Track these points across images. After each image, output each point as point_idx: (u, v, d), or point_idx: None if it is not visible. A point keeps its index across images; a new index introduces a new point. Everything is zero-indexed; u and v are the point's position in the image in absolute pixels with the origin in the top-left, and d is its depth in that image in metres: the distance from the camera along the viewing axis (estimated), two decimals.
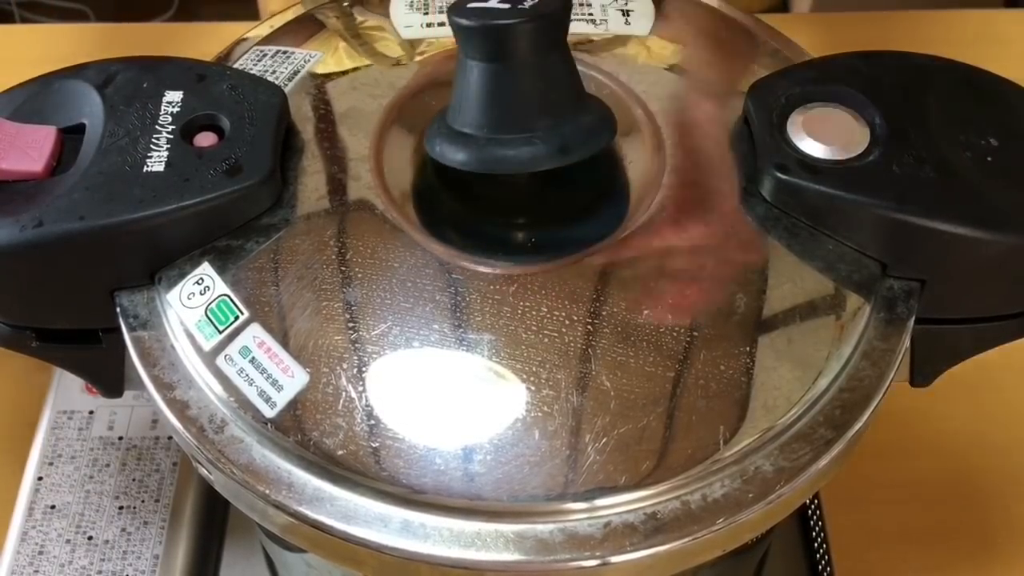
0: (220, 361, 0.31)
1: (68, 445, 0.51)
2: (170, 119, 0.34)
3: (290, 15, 0.41)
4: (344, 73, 0.38)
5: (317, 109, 0.37)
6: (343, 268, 0.32)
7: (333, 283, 0.32)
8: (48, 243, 0.32)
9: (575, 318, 0.31)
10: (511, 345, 0.31)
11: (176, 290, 0.33)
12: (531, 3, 0.31)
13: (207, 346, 0.32)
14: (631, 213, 0.34)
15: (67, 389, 0.52)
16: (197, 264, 0.33)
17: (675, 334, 0.31)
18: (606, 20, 0.40)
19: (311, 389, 0.31)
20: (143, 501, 0.49)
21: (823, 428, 0.31)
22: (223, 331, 0.32)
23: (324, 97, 0.37)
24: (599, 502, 0.29)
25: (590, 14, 0.40)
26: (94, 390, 0.41)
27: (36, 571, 0.48)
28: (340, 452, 0.30)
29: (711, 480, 0.30)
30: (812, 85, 0.36)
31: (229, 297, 0.32)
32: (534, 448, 0.30)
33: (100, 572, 0.48)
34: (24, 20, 1.51)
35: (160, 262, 0.33)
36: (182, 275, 0.33)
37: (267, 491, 0.30)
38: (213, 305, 0.32)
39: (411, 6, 0.40)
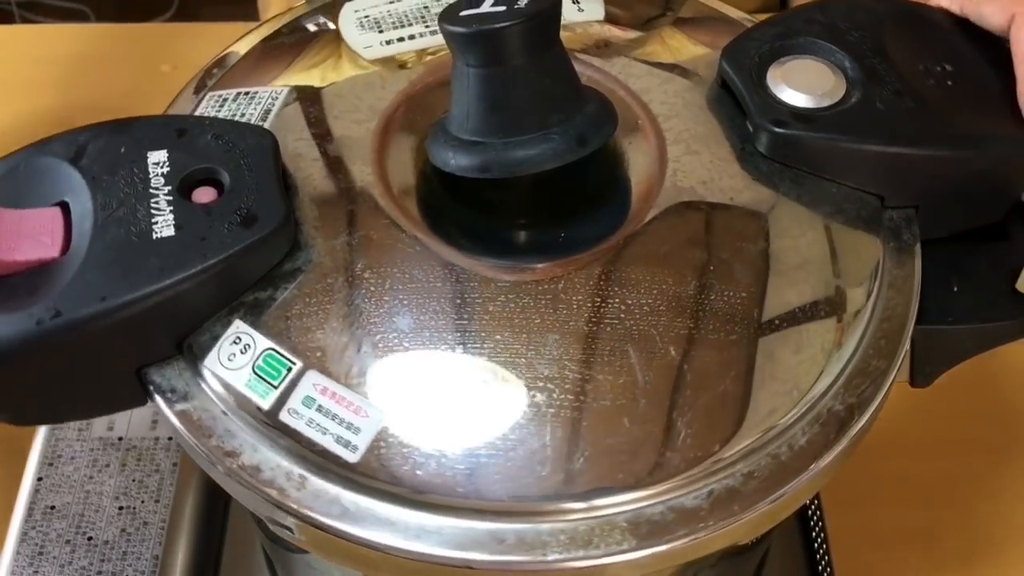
0: (285, 416, 0.30)
1: (68, 446, 0.50)
2: (163, 180, 0.33)
3: (244, 46, 0.40)
4: (319, 104, 0.37)
5: (303, 144, 0.36)
6: (383, 297, 0.32)
7: (378, 313, 0.32)
8: (70, 332, 0.30)
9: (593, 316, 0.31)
10: (530, 348, 0.31)
11: (213, 354, 0.32)
12: (523, 2, 0.31)
13: (265, 404, 0.31)
14: (635, 204, 0.34)
15: None
16: (228, 324, 0.32)
17: (677, 333, 0.31)
18: None
19: (390, 423, 0.30)
20: (143, 501, 0.49)
21: (826, 425, 0.31)
22: (278, 385, 0.31)
23: (307, 131, 0.36)
24: (598, 502, 0.29)
25: None
26: None
27: (36, 571, 0.47)
28: (437, 481, 0.29)
29: (712, 480, 0.30)
30: (780, 41, 0.37)
31: (275, 350, 0.31)
32: (534, 448, 0.30)
33: (100, 572, 0.47)
34: (24, 20, 1.47)
35: (187, 329, 0.32)
36: (215, 338, 0.32)
37: (372, 537, 0.29)
38: (259, 362, 0.31)
39: (362, 26, 0.39)
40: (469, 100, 0.32)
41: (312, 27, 0.40)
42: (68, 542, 0.48)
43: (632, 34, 0.40)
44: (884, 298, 0.34)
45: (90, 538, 0.48)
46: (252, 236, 0.31)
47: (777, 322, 0.32)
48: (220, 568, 0.51)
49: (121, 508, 0.49)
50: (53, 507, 0.49)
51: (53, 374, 0.31)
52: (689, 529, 0.29)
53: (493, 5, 0.31)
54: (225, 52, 0.40)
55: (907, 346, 0.33)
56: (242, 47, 0.40)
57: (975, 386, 0.57)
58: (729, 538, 0.30)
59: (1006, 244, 0.36)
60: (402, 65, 0.38)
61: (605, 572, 0.29)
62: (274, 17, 0.41)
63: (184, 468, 0.50)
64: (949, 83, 0.37)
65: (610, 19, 0.40)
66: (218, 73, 0.39)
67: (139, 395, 0.33)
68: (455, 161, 0.32)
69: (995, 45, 0.37)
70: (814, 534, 0.51)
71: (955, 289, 0.35)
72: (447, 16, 0.32)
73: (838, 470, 0.32)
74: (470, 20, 0.31)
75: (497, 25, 0.31)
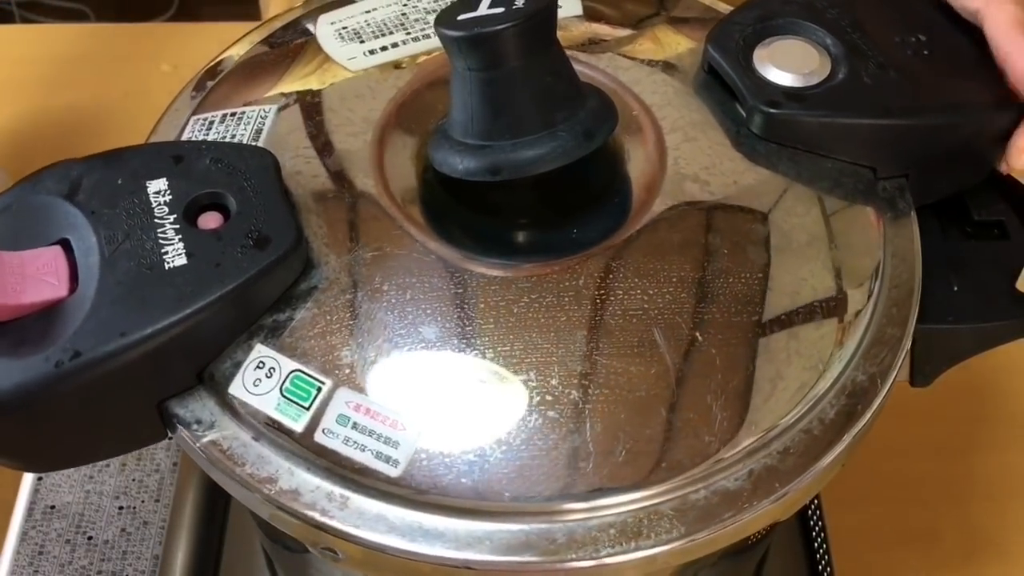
0: (320, 437, 0.30)
1: None
2: (166, 208, 0.32)
3: (240, 48, 0.39)
4: (311, 119, 0.36)
5: (301, 161, 0.35)
6: (404, 308, 0.32)
7: (402, 324, 0.31)
8: (91, 371, 0.29)
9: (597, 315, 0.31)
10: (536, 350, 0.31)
11: (237, 381, 0.31)
12: (521, 2, 0.31)
13: (298, 427, 0.30)
14: (641, 194, 0.35)
15: None
16: (249, 349, 0.31)
17: (702, 317, 0.32)
18: None
19: (428, 433, 0.30)
20: (143, 501, 0.49)
21: (852, 396, 0.32)
22: (310, 406, 0.30)
23: (303, 148, 0.35)
24: (643, 492, 0.29)
25: None
26: None
27: (36, 571, 0.47)
28: (482, 488, 0.29)
29: (750, 460, 0.30)
30: (761, 23, 0.38)
31: (301, 371, 0.31)
32: (575, 445, 0.30)
33: (100, 572, 0.47)
34: (24, 20, 1.45)
35: (208, 358, 0.31)
36: (237, 364, 0.31)
37: (423, 550, 0.29)
38: (287, 384, 0.31)
39: (341, 38, 0.39)
40: (472, 104, 0.32)
41: (303, 33, 0.39)
42: (68, 541, 0.48)
43: (613, 28, 0.40)
44: (891, 266, 0.34)
45: (90, 538, 0.48)
46: (268, 258, 0.31)
47: (795, 300, 0.32)
48: (220, 568, 0.51)
49: (121, 508, 0.49)
50: (53, 507, 0.49)
51: (71, 417, 0.31)
52: (734, 510, 0.30)
53: (490, 7, 0.31)
54: (219, 58, 0.39)
55: (916, 309, 0.34)
56: (238, 50, 0.39)
57: (975, 386, 0.58)
58: (771, 517, 0.31)
59: (1006, 244, 0.37)
60: (388, 74, 0.38)
61: (655, 561, 0.29)
62: (272, 19, 0.40)
63: (184, 468, 0.50)
64: (926, 53, 0.38)
65: (589, 15, 0.40)
66: (198, 96, 0.39)
67: (159, 430, 0.32)
68: (464, 166, 0.32)
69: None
70: (814, 534, 0.52)
71: (955, 289, 0.35)
72: (445, 21, 0.31)
73: (839, 470, 0.32)
74: (470, 24, 0.31)
75: (499, 27, 0.30)
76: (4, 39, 0.76)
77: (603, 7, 0.41)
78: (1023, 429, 0.58)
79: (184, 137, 0.37)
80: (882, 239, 0.35)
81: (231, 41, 0.39)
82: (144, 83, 0.63)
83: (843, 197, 0.35)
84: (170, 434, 0.32)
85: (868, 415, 0.32)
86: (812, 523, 0.52)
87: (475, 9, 0.31)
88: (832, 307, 0.33)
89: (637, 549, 0.29)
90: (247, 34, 0.40)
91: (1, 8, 1.44)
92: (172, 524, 0.49)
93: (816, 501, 0.52)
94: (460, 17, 0.31)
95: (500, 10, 0.31)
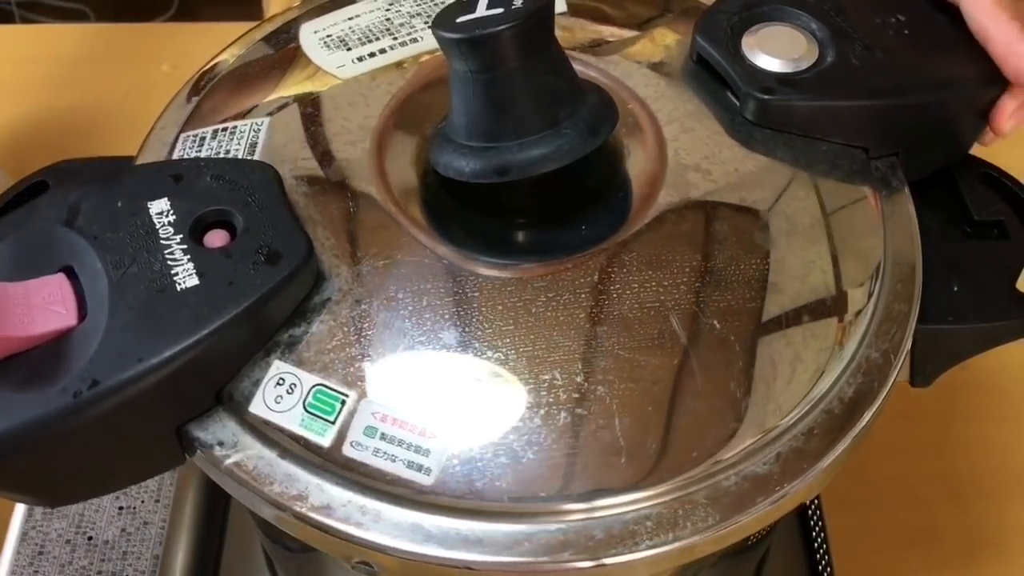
0: (348, 450, 0.30)
1: None
2: (171, 229, 0.31)
3: (238, 48, 0.38)
4: (306, 130, 0.36)
5: (300, 173, 0.35)
6: (422, 315, 0.31)
7: (421, 332, 0.31)
8: (110, 400, 0.29)
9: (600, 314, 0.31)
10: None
11: (258, 399, 0.31)
12: (519, 2, 0.31)
13: (325, 441, 0.30)
14: (645, 188, 0.35)
15: None
16: (267, 366, 0.31)
17: (719, 306, 0.32)
18: None
19: (458, 439, 0.30)
20: (143, 501, 0.49)
21: (867, 374, 0.32)
22: (335, 420, 0.30)
23: (300, 160, 0.35)
24: (678, 481, 0.30)
25: None
26: None
27: (36, 571, 0.47)
28: (517, 490, 0.29)
29: (777, 444, 0.30)
30: (747, 10, 0.38)
31: (324, 385, 0.30)
32: (607, 441, 0.30)
33: (100, 572, 0.47)
34: (24, 20, 1.44)
35: (226, 378, 0.31)
36: (256, 383, 0.31)
37: (463, 556, 0.29)
38: (310, 399, 0.30)
39: (327, 47, 0.39)
40: (475, 106, 0.32)
41: (290, 39, 0.39)
42: (68, 542, 0.48)
43: (598, 23, 0.40)
44: (892, 243, 0.35)
45: (90, 538, 0.48)
46: (280, 273, 0.31)
47: (806, 282, 0.33)
48: (220, 568, 0.51)
49: (121, 508, 0.49)
50: None
51: (90, 449, 0.30)
52: (766, 494, 0.30)
53: (489, 8, 0.31)
54: (208, 66, 0.38)
55: (920, 285, 0.34)
56: (236, 50, 0.39)
57: (975, 386, 0.58)
58: (800, 498, 0.31)
59: (1006, 244, 0.37)
60: (379, 79, 0.37)
61: (693, 550, 0.30)
62: (270, 18, 0.40)
63: (184, 469, 0.49)
64: (906, 32, 0.38)
65: (573, 11, 0.40)
66: (186, 109, 0.38)
67: (177, 455, 0.32)
68: (471, 169, 0.32)
69: None
70: (814, 534, 0.52)
71: (955, 289, 0.35)
72: (443, 24, 0.31)
73: (840, 469, 0.32)
74: (470, 26, 0.31)
75: (501, 27, 0.30)
76: (4, 39, 0.76)
77: (587, 1, 0.41)
78: (1023, 429, 0.58)
79: (176, 155, 0.36)
80: (881, 217, 0.35)
81: (231, 41, 0.39)
82: (144, 83, 0.62)
83: (840, 179, 0.36)
84: (188, 457, 0.32)
85: (884, 391, 0.32)
86: (812, 523, 0.52)
87: (473, 11, 0.31)
88: (842, 287, 0.33)
89: (675, 540, 0.29)
90: (245, 34, 0.39)
91: (1, 8, 1.43)
92: (172, 524, 0.49)
93: (816, 501, 0.52)
94: (459, 19, 0.31)
95: (499, 10, 0.31)
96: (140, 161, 0.37)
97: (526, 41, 0.31)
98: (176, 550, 0.49)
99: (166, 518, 0.49)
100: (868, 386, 0.32)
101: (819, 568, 0.51)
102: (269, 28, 0.40)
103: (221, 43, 0.39)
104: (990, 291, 0.35)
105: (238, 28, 0.41)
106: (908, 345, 0.33)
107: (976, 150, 0.39)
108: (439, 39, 0.31)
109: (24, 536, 0.48)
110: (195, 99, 0.38)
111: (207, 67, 0.39)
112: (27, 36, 0.81)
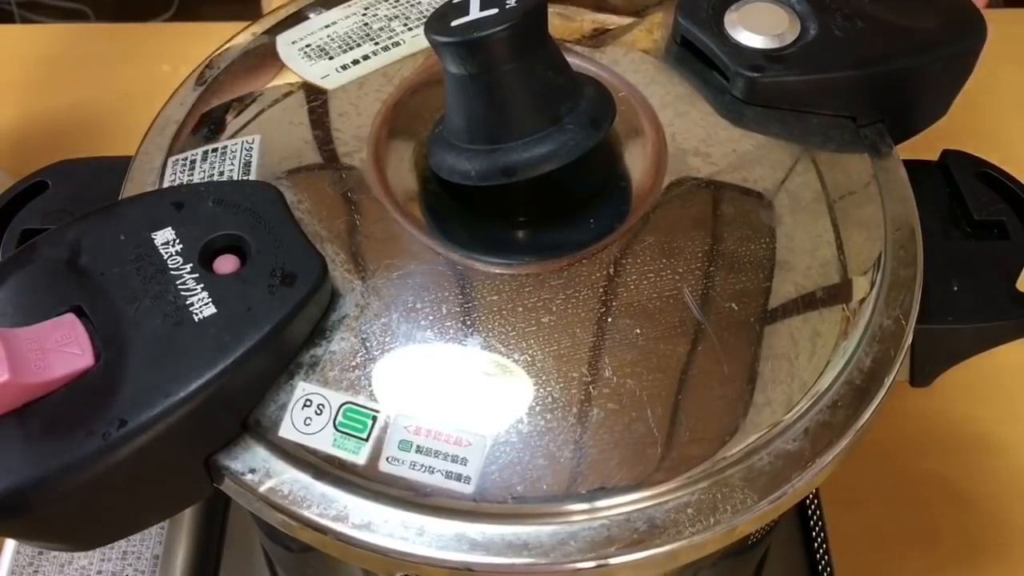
0: (384, 466, 0.29)
1: None
2: (180, 259, 0.31)
3: (241, 39, 0.37)
4: (300, 144, 0.35)
5: (300, 188, 0.34)
6: (444, 323, 0.31)
7: (445, 340, 0.31)
8: (141, 438, 0.28)
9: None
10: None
11: (286, 423, 0.30)
12: (511, 1, 0.31)
13: (360, 460, 0.30)
14: (648, 175, 0.35)
15: None
16: (292, 389, 0.30)
17: (734, 288, 0.32)
18: None
19: (494, 445, 0.30)
20: None
21: (882, 342, 0.32)
22: (368, 437, 0.30)
23: (298, 175, 0.35)
24: (672, 484, 0.30)
25: None
26: None
27: (36, 571, 0.46)
28: (557, 490, 0.29)
29: (805, 419, 0.31)
30: None
31: (352, 403, 0.30)
32: (641, 433, 0.30)
33: (100, 572, 0.47)
34: (24, 20, 1.42)
35: (251, 405, 0.30)
36: (282, 407, 0.30)
37: (511, 561, 0.29)
38: (339, 418, 0.30)
39: (308, 57, 0.38)
40: (475, 108, 0.32)
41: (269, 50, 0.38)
42: None
43: (579, 9, 0.40)
44: (890, 209, 0.35)
45: None
46: (299, 294, 0.30)
47: (816, 256, 0.33)
48: (220, 568, 0.51)
49: None
50: None
51: (119, 490, 0.29)
52: (799, 469, 0.30)
53: (482, 9, 0.31)
54: (217, 52, 0.38)
55: (921, 247, 0.35)
56: (238, 41, 0.39)
57: (975, 386, 0.58)
58: (829, 471, 0.31)
59: (1006, 244, 0.37)
60: (366, 87, 0.37)
61: (735, 532, 0.30)
62: (271, 12, 0.39)
63: None
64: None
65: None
66: (171, 130, 0.37)
67: (206, 486, 0.31)
68: (476, 172, 0.32)
69: None
70: (814, 534, 0.52)
71: (955, 289, 0.36)
72: (437, 28, 0.31)
73: (840, 466, 0.32)
74: (467, 28, 0.30)
75: (498, 28, 0.30)
76: (4, 39, 0.75)
77: None
78: (1022, 429, 0.58)
79: (167, 180, 0.36)
80: (877, 185, 0.36)
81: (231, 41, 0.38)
82: (144, 83, 0.61)
83: (835, 150, 0.36)
84: (217, 485, 0.31)
85: (901, 357, 0.33)
86: (812, 523, 0.52)
87: (467, 13, 0.31)
88: (850, 257, 0.33)
89: (718, 523, 0.29)
90: (245, 28, 0.39)
91: (1, 8, 1.42)
92: (172, 524, 0.49)
93: (816, 501, 0.52)
94: (454, 23, 0.31)
95: (494, 11, 0.31)
96: (129, 188, 0.36)
97: (523, 40, 0.31)
98: (176, 550, 0.49)
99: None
100: (885, 353, 0.33)
101: (819, 568, 0.51)
102: (289, 10, 0.39)
103: (221, 43, 0.39)
104: (990, 291, 0.35)
105: (238, 28, 0.40)
106: (917, 309, 0.34)
107: (976, 150, 0.39)
108: (433, 43, 0.31)
109: None
110: (178, 122, 0.38)
111: (203, 65, 0.38)
112: (27, 36, 0.80)
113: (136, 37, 0.76)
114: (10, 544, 0.47)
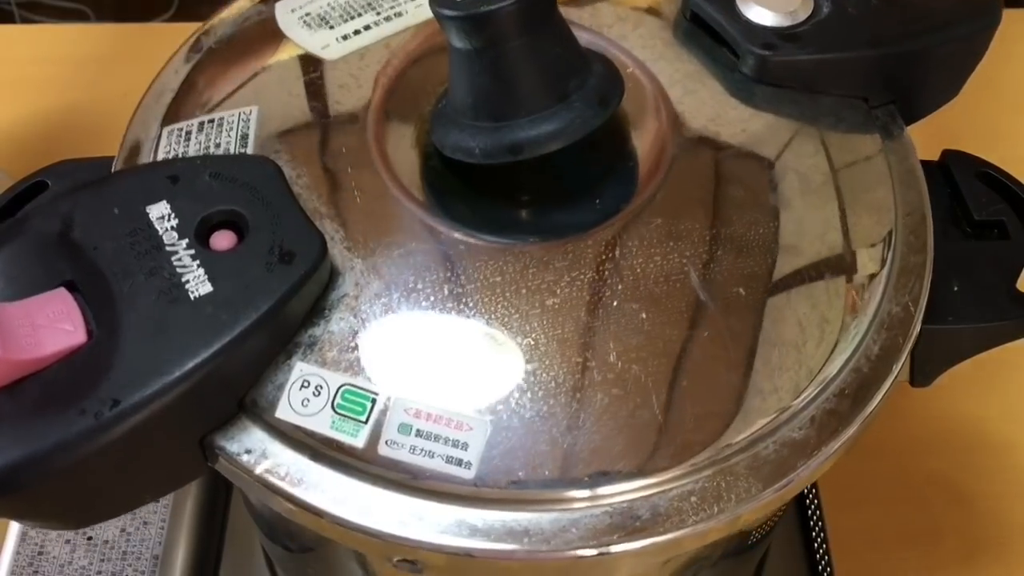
0: (384, 449, 0.29)
1: None
2: (175, 234, 0.30)
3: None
4: (299, 116, 0.35)
5: (298, 163, 0.33)
6: (445, 304, 0.30)
7: (447, 321, 0.30)
8: (134, 417, 0.28)
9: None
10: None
11: (283, 404, 0.30)
12: None
13: (359, 442, 0.29)
14: (656, 152, 0.34)
15: None
16: (289, 369, 0.30)
17: (743, 272, 0.31)
18: None
19: (495, 429, 0.29)
20: None
21: (891, 328, 0.32)
22: (367, 420, 0.29)
23: (296, 149, 0.34)
24: (677, 471, 0.29)
25: None
26: None
27: (36, 571, 0.47)
28: (558, 476, 0.29)
29: (812, 407, 0.30)
30: None
31: (351, 385, 0.30)
32: (646, 420, 0.29)
33: (100, 572, 0.47)
34: (24, 20, 1.41)
35: (248, 385, 0.30)
36: (279, 387, 0.30)
37: (509, 547, 0.28)
38: (338, 400, 0.29)
39: (308, 26, 0.37)
40: (480, 84, 0.31)
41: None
42: (68, 542, 0.48)
43: None
44: (900, 193, 0.35)
45: (90, 538, 0.48)
46: (297, 272, 0.29)
47: (825, 240, 0.33)
48: (220, 568, 0.51)
49: None
50: None
51: (113, 469, 0.29)
52: (804, 458, 0.30)
53: None
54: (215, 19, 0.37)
55: (931, 232, 0.34)
56: (236, 7, 0.38)
57: (975, 386, 0.57)
58: (835, 459, 0.31)
59: (1006, 244, 0.36)
60: (367, 59, 0.36)
61: (738, 521, 0.30)
62: None
63: None
64: None
65: None
66: (167, 98, 0.36)
67: (200, 466, 0.31)
68: (480, 149, 0.31)
69: None
70: (814, 534, 0.52)
71: (955, 289, 0.35)
72: (442, 1, 0.30)
73: (842, 458, 0.31)
74: (472, 2, 0.30)
75: (505, 2, 0.29)
76: (4, 39, 0.74)
77: None
78: (1023, 429, 0.58)
79: (161, 151, 0.35)
80: (888, 167, 0.35)
81: None
82: (144, 83, 0.60)
83: (846, 131, 0.35)
84: (211, 465, 0.31)
85: (909, 344, 0.32)
86: (812, 523, 0.52)
87: None
88: (859, 243, 0.33)
89: (721, 512, 0.29)
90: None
91: (1, 8, 1.41)
92: (172, 524, 0.49)
93: (816, 501, 0.52)
94: None
95: None
96: (123, 158, 0.35)
97: (530, 14, 0.30)
98: (176, 550, 0.49)
99: (166, 518, 0.49)
100: (893, 340, 0.32)
101: (819, 568, 0.51)
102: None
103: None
104: (990, 291, 0.35)
105: None
106: (926, 296, 0.33)
107: (976, 150, 0.39)
108: (439, 17, 0.30)
109: (24, 536, 0.48)
110: (174, 89, 0.37)
111: (183, 49, 0.37)
112: (27, 36, 0.80)
113: (136, 37, 0.75)
114: (10, 544, 0.47)
